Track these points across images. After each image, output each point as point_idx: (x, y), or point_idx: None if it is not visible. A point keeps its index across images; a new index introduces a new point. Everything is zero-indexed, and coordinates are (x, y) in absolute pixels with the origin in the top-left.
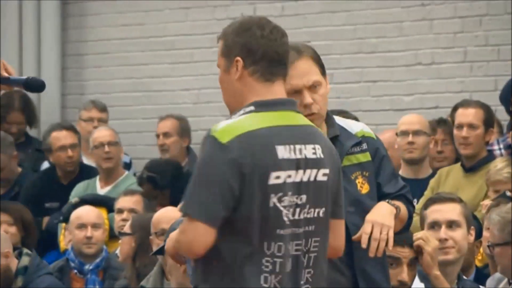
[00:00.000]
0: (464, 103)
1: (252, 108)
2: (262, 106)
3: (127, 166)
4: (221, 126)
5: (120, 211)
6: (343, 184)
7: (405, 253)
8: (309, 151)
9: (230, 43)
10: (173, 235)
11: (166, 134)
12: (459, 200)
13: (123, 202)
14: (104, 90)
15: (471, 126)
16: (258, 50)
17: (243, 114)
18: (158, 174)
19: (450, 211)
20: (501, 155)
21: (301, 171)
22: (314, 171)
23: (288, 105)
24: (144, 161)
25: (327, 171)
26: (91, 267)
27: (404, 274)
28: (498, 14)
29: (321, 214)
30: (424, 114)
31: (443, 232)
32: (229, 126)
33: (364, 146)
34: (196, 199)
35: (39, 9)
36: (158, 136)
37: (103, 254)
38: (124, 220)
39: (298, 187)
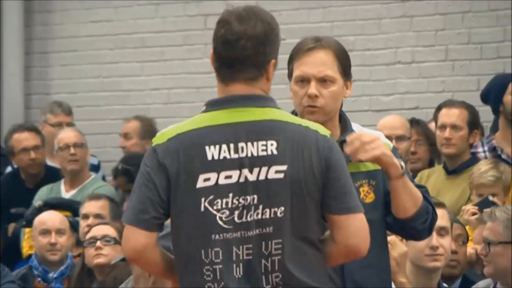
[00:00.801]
0: (448, 103)
1: (204, 108)
2: (212, 105)
3: (95, 168)
4: (163, 130)
5: (86, 216)
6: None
7: None
8: (257, 148)
9: None
10: None
11: (126, 135)
12: (445, 206)
13: (89, 207)
14: (70, 90)
15: (454, 127)
16: (216, 49)
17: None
18: (133, 166)
19: (440, 217)
20: (486, 157)
21: (245, 170)
22: (264, 169)
23: (244, 101)
24: (112, 163)
25: (282, 167)
26: (55, 275)
27: None
28: (481, 11)
29: (279, 214)
30: (404, 115)
31: (435, 239)
32: (167, 130)
33: None
34: (129, 205)
35: (1, 5)
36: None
37: (68, 262)
38: (90, 226)
39: (244, 188)
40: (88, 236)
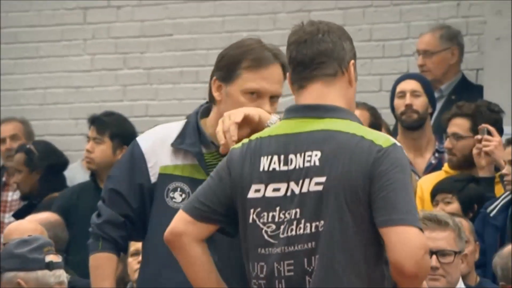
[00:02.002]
0: None
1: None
2: (284, 113)
3: None
4: None
5: None
6: None
7: None
8: (304, 159)
9: None
10: None
11: (14, 137)
12: None
13: None
14: None
15: None
16: (291, 57)
17: None
18: (39, 154)
19: None
20: None
21: (292, 183)
22: (307, 180)
23: (308, 111)
24: None
25: (321, 179)
26: None
27: None
28: (383, 5)
29: (320, 228)
30: None
31: None
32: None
33: None
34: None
35: None
36: (3, 140)
37: None
38: None
39: (290, 201)
40: None
